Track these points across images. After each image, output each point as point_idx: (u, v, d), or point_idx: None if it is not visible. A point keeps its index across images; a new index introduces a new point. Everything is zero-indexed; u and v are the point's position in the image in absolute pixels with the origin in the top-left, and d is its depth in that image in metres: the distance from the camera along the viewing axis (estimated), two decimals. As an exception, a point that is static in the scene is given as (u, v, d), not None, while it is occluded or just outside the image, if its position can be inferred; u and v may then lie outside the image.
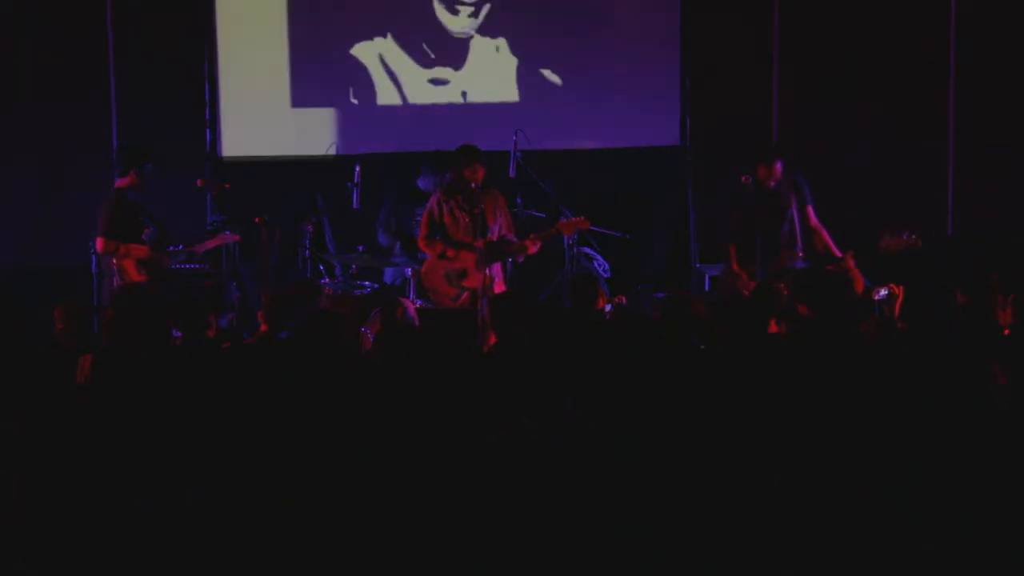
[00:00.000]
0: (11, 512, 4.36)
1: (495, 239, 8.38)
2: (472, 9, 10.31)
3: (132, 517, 4.32)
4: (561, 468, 4.52)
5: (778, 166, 8.50)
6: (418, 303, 8.31)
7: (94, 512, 4.34)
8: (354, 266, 9.05)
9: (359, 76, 10.30)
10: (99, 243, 8.10)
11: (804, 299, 6.53)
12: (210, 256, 9.11)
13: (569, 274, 8.51)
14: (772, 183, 8.49)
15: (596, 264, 9.55)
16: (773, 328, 6.51)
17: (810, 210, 8.58)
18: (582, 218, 8.49)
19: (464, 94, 10.35)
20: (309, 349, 5.68)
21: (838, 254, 8.26)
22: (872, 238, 8.28)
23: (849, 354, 5.24)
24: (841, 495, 4.39)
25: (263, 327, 6.49)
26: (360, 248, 8.89)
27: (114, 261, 8.10)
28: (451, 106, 10.33)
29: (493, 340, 6.24)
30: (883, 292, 7.42)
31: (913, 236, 8.17)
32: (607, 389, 5.33)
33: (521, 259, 8.55)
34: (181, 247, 8.64)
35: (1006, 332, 6.33)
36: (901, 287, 7.16)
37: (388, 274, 9.30)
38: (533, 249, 8.40)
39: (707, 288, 9.77)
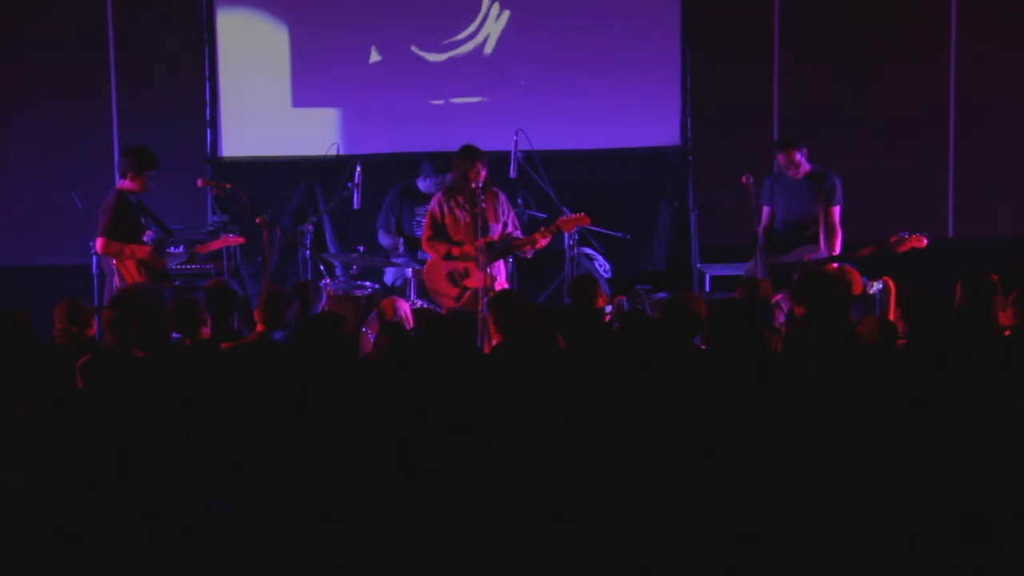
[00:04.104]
0: (10, 513, 4.36)
1: (496, 239, 8.39)
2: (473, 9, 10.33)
3: (131, 518, 4.32)
4: (560, 469, 4.52)
5: (796, 155, 8.59)
6: (419, 303, 8.32)
7: (93, 513, 4.34)
8: (354, 266, 9.05)
9: (360, 75, 10.30)
10: (99, 243, 8.09)
11: (801, 299, 6.55)
12: (212, 257, 9.12)
13: (570, 275, 8.51)
14: (795, 174, 8.58)
15: (596, 264, 9.55)
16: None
17: (834, 210, 8.64)
18: (582, 215, 8.49)
19: (464, 94, 10.35)
20: (308, 349, 5.68)
21: (835, 264, 8.32)
22: (876, 238, 8.32)
23: (846, 354, 5.24)
24: (841, 495, 4.39)
25: (259, 326, 6.50)
26: (360, 248, 8.89)
27: (114, 262, 8.09)
28: (451, 106, 10.33)
29: (496, 341, 6.24)
30: (878, 285, 7.46)
31: (919, 235, 8.24)
32: (607, 389, 5.34)
33: (530, 253, 8.53)
34: (182, 248, 8.65)
35: (1006, 332, 6.33)
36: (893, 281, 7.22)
37: (388, 274, 9.30)
38: (543, 242, 8.40)
39: (707, 288, 9.78)
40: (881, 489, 4.37)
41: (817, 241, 8.67)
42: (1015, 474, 4.46)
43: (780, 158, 8.74)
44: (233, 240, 8.77)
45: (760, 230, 8.72)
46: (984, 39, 10.55)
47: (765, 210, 8.85)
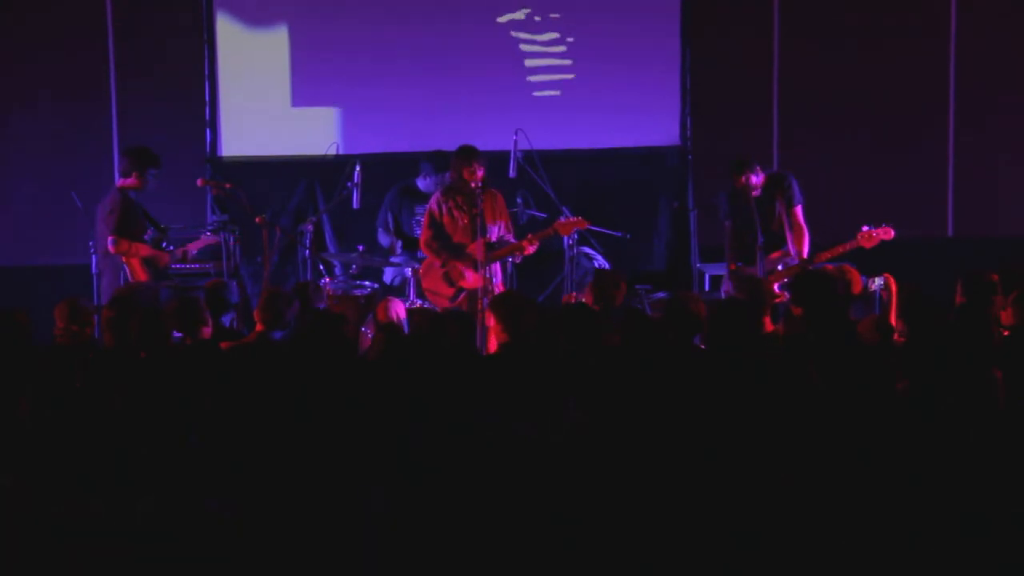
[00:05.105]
0: (10, 513, 4.36)
1: (494, 240, 8.39)
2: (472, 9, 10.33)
3: (131, 518, 4.32)
4: (560, 469, 4.52)
5: (753, 178, 8.51)
6: (418, 303, 8.32)
7: (92, 512, 4.34)
8: (354, 266, 9.06)
9: (359, 75, 10.29)
10: (111, 242, 8.14)
11: (799, 300, 6.55)
12: (208, 256, 9.12)
13: (569, 274, 8.51)
14: (754, 192, 8.54)
15: (596, 264, 9.54)
16: (768, 327, 6.52)
17: (797, 209, 8.59)
18: (580, 218, 8.48)
19: (464, 93, 10.34)
20: (308, 349, 5.68)
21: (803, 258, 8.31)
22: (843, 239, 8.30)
23: (846, 354, 5.23)
24: (841, 495, 4.39)
25: (259, 326, 6.50)
26: (360, 248, 8.90)
27: (123, 260, 8.15)
28: (451, 105, 10.32)
29: (501, 341, 6.22)
30: (879, 281, 7.44)
31: (886, 227, 8.16)
32: (607, 389, 5.33)
33: (519, 259, 8.55)
34: (173, 247, 8.66)
35: (1006, 332, 6.33)
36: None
37: (388, 274, 9.30)
38: (530, 249, 8.40)
39: (707, 288, 9.78)
40: (881, 489, 4.37)
41: (785, 246, 8.58)
42: (1015, 474, 4.46)
43: (737, 180, 8.61)
44: (211, 239, 8.77)
45: (727, 244, 8.67)
46: (984, 38, 10.55)
47: (727, 224, 8.76)
